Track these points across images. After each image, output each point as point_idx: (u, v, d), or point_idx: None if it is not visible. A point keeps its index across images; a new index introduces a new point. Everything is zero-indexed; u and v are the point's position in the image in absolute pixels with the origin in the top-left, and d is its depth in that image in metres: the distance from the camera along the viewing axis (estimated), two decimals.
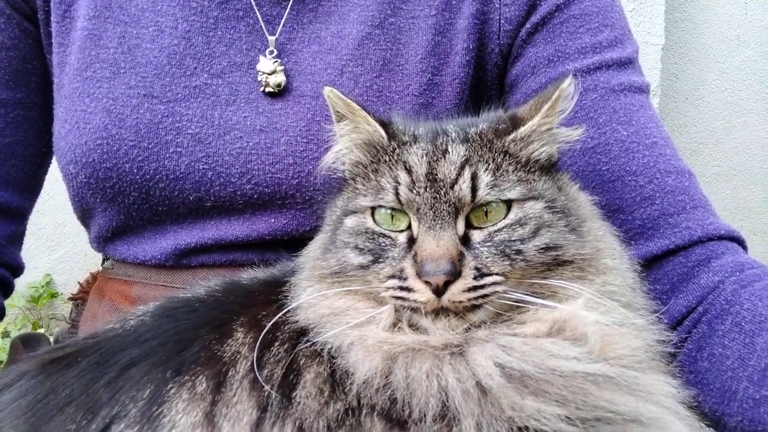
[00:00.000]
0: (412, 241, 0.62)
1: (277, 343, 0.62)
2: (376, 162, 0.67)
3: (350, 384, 0.57)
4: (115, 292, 1.00)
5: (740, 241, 0.85)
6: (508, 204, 0.63)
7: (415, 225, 0.62)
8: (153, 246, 0.95)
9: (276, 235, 0.92)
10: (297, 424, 0.56)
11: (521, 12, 0.96)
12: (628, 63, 0.96)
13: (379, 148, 0.68)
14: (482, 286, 0.58)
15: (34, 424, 0.59)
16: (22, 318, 2.58)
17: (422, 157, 0.63)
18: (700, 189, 0.88)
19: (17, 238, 1.07)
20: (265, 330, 0.62)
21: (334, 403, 0.57)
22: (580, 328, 0.58)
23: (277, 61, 0.94)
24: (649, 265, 0.83)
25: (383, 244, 0.63)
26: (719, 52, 2.71)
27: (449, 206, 0.61)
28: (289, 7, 0.97)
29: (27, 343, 1.01)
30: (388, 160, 0.66)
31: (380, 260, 0.63)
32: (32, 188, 1.08)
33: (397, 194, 0.63)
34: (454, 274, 0.58)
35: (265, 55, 0.94)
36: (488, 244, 0.61)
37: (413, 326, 0.61)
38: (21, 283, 2.56)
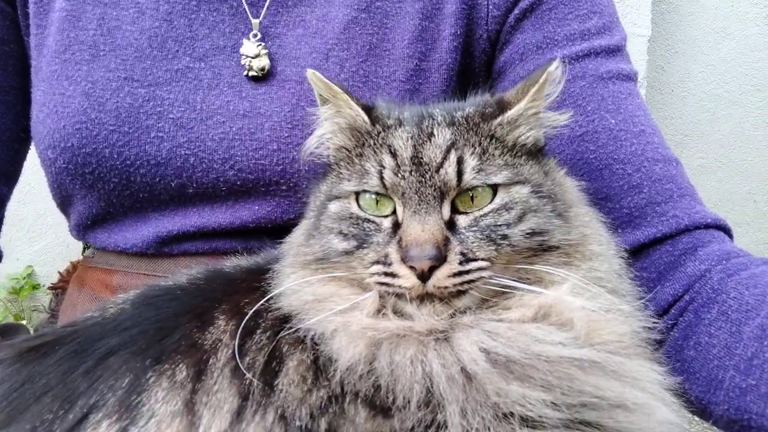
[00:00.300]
0: (397, 226, 0.61)
1: (259, 331, 0.61)
2: (360, 146, 0.66)
3: (334, 371, 0.57)
4: (96, 280, 0.98)
5: (726, 230, 0.85)
6: (494, 189, 0.62)
7: (400, 210, 0.61)
8: (134, 234, 0.93)
9: (260, 223, 0.91)
10: (279, 412, 0.55)
11: None
12: (617, 50, 0.95)
13: (362, 132, 0.67)
14: (468, 272, 0.58)
15: (10, 414, 0.58)
16: (3, 310, 2.54)
17: (407, 140, 0.62)
18: (687, 178, 0.88)
19: None
20: (247, 317, 0.60)
21: (318, 390, 0.56)
22: (566, 314, 0.58)
23: (260, 45, 0.92)
24: (636, 253, 0.83)
25: (368, 230, 0.62)
26: (705, 45, 2.73)
27: (435, 190, 0.60)
28: None
29: (5, 333, 0.99)
30: (372, 144, 0.65)
31: (364, 246, 0.62)
32: (10, 175, 1.06)
33: (381, 178, 0.62)
34: (440, 260, 0.57)
35: (249, 39, 0.92)
36: (474, 229, 0.60)
37: (398, 312, 0.60)
38: (2, 275, 2.52)
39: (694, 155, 2.84)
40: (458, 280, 0.58)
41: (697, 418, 0.72)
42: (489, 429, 0.52)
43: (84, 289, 0.99)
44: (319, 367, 0.58)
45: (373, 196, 0.63)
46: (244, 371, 0.57)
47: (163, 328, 0.62)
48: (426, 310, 0.59)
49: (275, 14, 0.95)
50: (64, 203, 1.00)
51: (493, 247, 0.59)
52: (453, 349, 0.56)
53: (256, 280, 0.67)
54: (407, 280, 0.58)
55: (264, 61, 0.91)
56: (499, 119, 0.64)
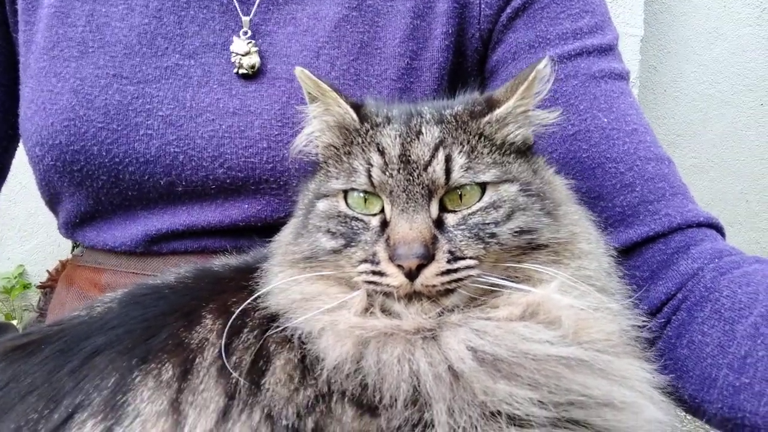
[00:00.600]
0: (385, 224, 0.61)
1: (246, 330, 0.61)
2: (348, 144, 0.66)
3: (321, 370, 0.56)
4: (84, 279, 0.97)
5: (719, 228, 0.85)
6: (483, 187, 0.62)
7: (388, 208, 0.61)
8: (123, 232, 0.93)
9: (250, 222, 0.90)
10: (265, 411, 0.55)
11: None
12: (609, 50, 0.96)
13: (351, 130, 0.66)
14: (456, 270, 0.58)
15: None
16: None
17: (395, 138, 0.62)
18: (680, 176, 0.88)
19: None
20: (234, 316, 0.60)
21: (305, 389, 0.56)
22: (554, 312, 0.57)
23: (251, 42, 0.91)
24: (629, 252, 0.83)
25: (356, 228, 0.62)
26: (698, 45, 2.74)
27: (423, 189, 0.60)
28: None
29: None
30: (360, 142, 0.65)
31: (352, 244, 0.61)
32: None
33: (369, 176, 0.61)
34: (427, 258, 0.57)
35: (239, 36, 0.92)
36: (462, 227, 0.60)
37: (386, 311, 0.60)
38: None
39: (687, 155, 2.85)
40: (446, 278, 0.57)
41: (688, 418, 0.72)
42: (476, 428, 0.52)
43: (72, 287, 0.98)
44: (307, 366, 0.58)
45: (361, 195, 0.63)
46: (231, 370, 0.57)
47: (150, 328, 0.62)
48: (414, 308, 0.58)
49: (266, 12, 0.94)
50: (52, 201, 0.99)
51: (482, 246, 0.59)
52: (440, 347, 0.56)
53: (245, 279, 0.67)
54: (395, 278, 0.57)
55: (254, 59, 0.91)
56: (487, 117, 0.64)
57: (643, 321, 0.65)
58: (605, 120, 0.88)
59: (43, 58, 0.91)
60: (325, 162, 0.69)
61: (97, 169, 0.88)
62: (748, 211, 2.99)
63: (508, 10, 0.96)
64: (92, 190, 0.91)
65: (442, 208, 0.61)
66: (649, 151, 0.87)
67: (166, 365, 0.58)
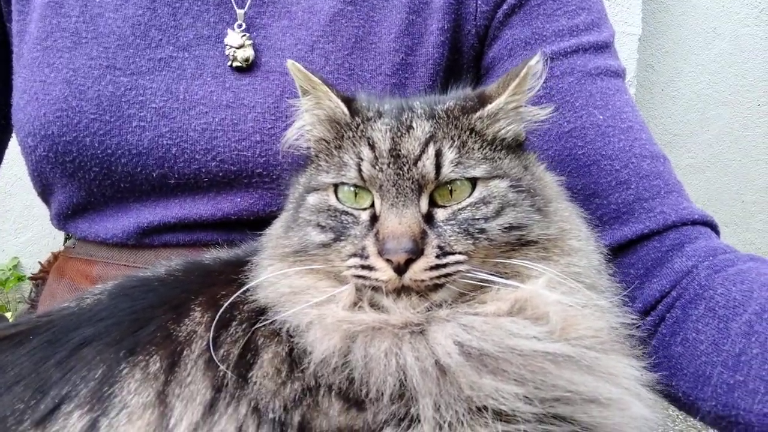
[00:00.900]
0: (374, 218, 0.61)
1: (234, 323, 0.61)
2: (339, 138, 0.66)
3: (308, 363, 0.56)
4: (76, 271, 0.97)
5: (713, 227, 0.85)
6: (473, 182, 0.62)
7: (377, 202, 0.61)
8: (115, 224, 0.93)
9: (242, 215, 0.90)
10: (252, 404, 0.55)
11: None
12: (605, 47, 0.95)
13: (342, 124, 0.66)
14: (445, 265, 0.57)
15: None
16: None
17: (386, 132, 0.62)
18: (674, 174, 0.89)
19: None
20: (222, 309, 0.60)
21: (292, 383, 0.56)
22: (542, 308, 0.57)
23: (245, 35, 0.91)
24: (624, 249, 0.83)
25: (345, 222, 0.62)
26: (695, 44, 2.74)
27: (412, 183, 0.60)
28: None
29: None
30: (351, 136, 0.65)
31: (342, 238, 0.61)
32: None
33: (359, 171, 0.61)
34: (416, 253, 0.57)
35: (234, 29, 0.92)
36: (452, 222, 0.60)
37: (374, 305, 0.60)
38: None
39: (683, 155, 2.86)
40: (435, 273, 0.57)
41: (680, 417, 0.73)
42: (462, 423, 0.52)
43: (63, 279, 0.98)
44: (294, 360, 0.58)
45: (352, 189, 0.63)
46: (218, 363, 0.57)
47: (139, 320, 0.62)
48: (402, 303, 0.58)
49: (260, 5, 0.94)
50: (44, 192, 0.99)
51: (471, 241, 0.59)
52: (428, 342, 0.55)
53: (235, 273, 0.66)
54: (384, 273, 0.57)
55: (248, 52, 0.90)
56: (479, 113, 0.64)
57: (633, 319, 0.65)
58: (601, 117, 0.88)
59: (37, 49, 0.91)
60: (316, 156, 0.69)
61: (89, 160, 0.88)
62: (744, 211, 3.00)
63: (505, 6, 0.96)
64: (84, 182, 0.91)
65: (432, 203, 0.61)
66: (645, 148, 0.87)
67: (154, 357, 0.58)
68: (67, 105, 0.87)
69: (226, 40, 0.91)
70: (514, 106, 0.65)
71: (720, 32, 2.73)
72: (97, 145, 0.87)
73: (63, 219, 0.98)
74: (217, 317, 0.59)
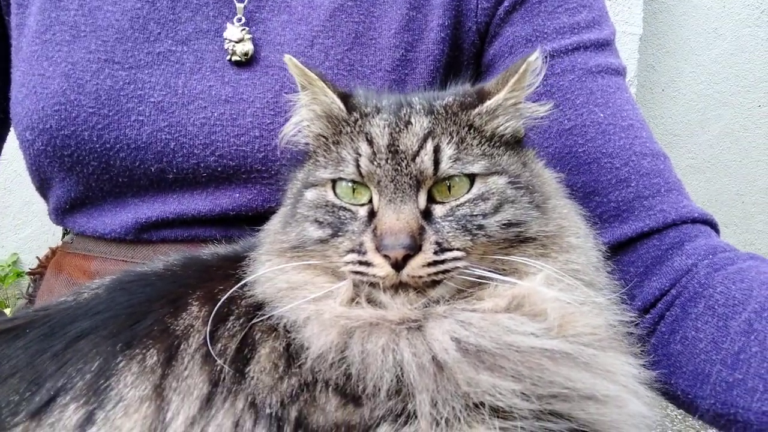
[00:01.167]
0: (372, 214, 0.61)
1: (232, 318, 0.61)
2: (337, 134, 0.66)
3: (305, 359, 0.56)
4: (74, 266, 0.97)
5: (713, 225, 0.85)
6: (472, 178, 0.61)
7: (375, 198, 0.61)
8: (113, 219, 0.92)
9: (240, 211, 0.90)
10: (249, 399, 0.55)
11: None
12: (606, 45, 0.95)
13: (339, 119, 0.66)
14: (442, 261, 0.57)
15: None
16: None
17: (384, 128, 0.62)
18: (675, 172, 0.89)
19: None
20: (219, 303, 0.60)
21: (289, 378, 0.56)
22: (539, 305, 0.57)
23: (245, 29, 0.91)
24: (624, 247, 0.83)
25: (343, 218, 0.62)
26: (697, 45, 2.74)
27: (411, 179, 0.59)
28: None
29: None
30: (349, 131, 0.64)
31: (340, 234, 0.61)
32: None
33: (357, 166, 0.61)
34: (414, 249, 0.57)
35: (233, 23, 0.91)
36: (450, 218, 0.60)
37: (372, 301, 0.60)
38: None
39: (684, 155, 2.86)
40: (433, 269, 0.57)
41: (679, 417, 0.72)
42: (459, 419, 0.52)
43: (61, 274, 0.98)
44: (291, 355, 0.57)
45: (350, 184, 0.63)
46: (216, 357, 0.57)
47: (136, 313, 0.61)
48: (400, 299, 0.58)
49: None
50: (42, 186, 0.99)
51: (469, 238, 0.59)
52: (425, 338, 0.55)
53: (232, 268, 0.66)
54: (381, 269, 0.57)
55: (248, 46, 0.90)
56: (478, 109, 0.64)
57: (631, 316, 0.65)
58: (601, 115, 0.88)
59: (35, 42, 0.90)
60: (314, 151, 0.68)
61: (87, 154, 0.88)
62: (744, 212, 3.00)
63: (506, 3, 0.95)
64: (83, 176, 0.90)
65: (431, 199, 0.61)
66: (645, 146, 0.87)
67: (151, 351, 0.58)
68: (66, 99, 0.87)
69: (226, 34, 0.91)
70: (513, 103, 0.65)
71: (721, 33, 2.73)
72: (95, 139, 0.87)
73: (61, 213, 0.98)
74: (215, 312, 0.59)
